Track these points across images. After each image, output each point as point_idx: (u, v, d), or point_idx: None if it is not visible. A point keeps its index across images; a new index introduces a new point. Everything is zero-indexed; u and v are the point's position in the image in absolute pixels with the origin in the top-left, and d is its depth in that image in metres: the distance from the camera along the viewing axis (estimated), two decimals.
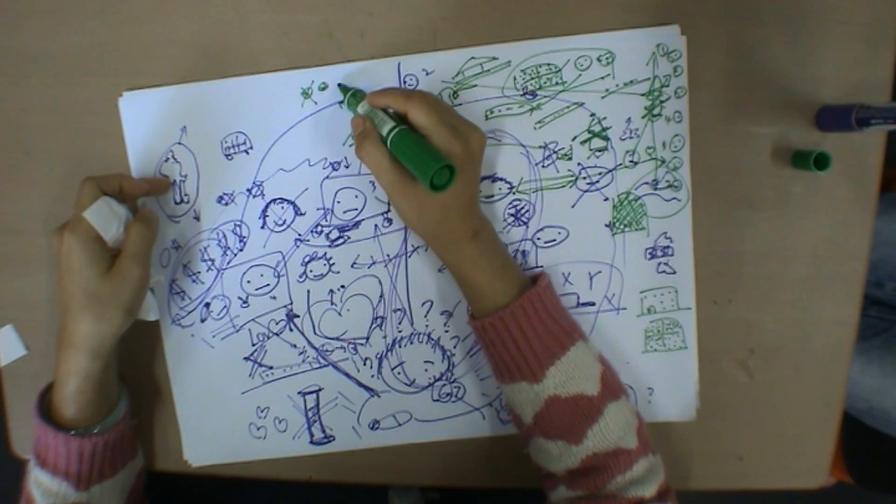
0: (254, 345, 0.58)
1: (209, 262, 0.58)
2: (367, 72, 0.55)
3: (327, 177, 0.56)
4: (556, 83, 0.56)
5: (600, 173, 0.57)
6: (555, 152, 0.56)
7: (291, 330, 0.58)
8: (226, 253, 0.57)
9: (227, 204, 0.57)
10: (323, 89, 0.55)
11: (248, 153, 0.56)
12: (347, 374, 0.59)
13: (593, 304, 0.58)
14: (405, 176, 0.48)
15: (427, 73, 0.55)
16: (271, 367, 0.59)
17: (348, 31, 0.55)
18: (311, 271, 0.58)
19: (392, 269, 0.58)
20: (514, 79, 0.55)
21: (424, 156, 0.46)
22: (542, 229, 0.57)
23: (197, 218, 0.57)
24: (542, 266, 0.58)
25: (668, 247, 0.58)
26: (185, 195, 0.57)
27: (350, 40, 0.55)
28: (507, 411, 0.55)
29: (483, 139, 0.50)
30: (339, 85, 0.55)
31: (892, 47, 0.56)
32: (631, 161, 0.57)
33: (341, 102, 0.55)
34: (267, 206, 0.57)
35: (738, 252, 0.58)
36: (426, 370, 0.59)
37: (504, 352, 0.50)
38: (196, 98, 0.56)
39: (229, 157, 0.56)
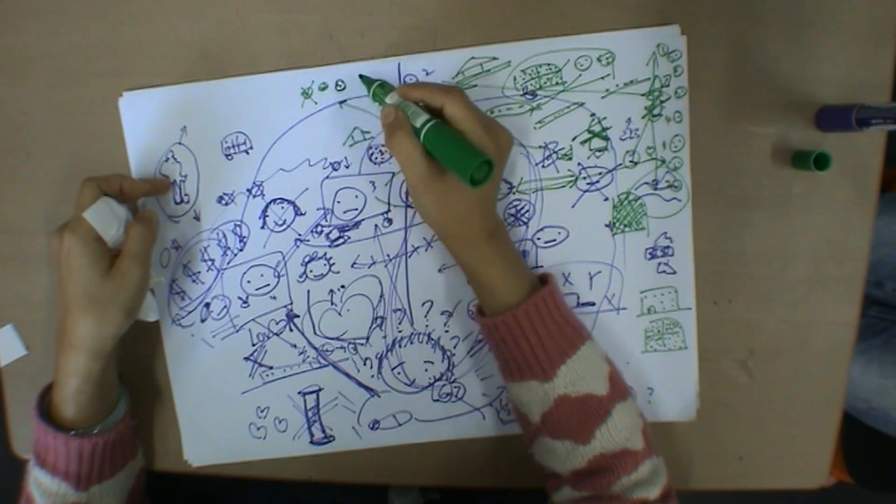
0: (254, 345, 0.58)
1: (209, 262, 0.58)
2: (366, 72, 0.55)
3: (327, 177, 0.56)
4: (556, 83, 0.56)
5: (600, 173, 0.57)
6: (555, 152, 0.56)
7: (291, 330, 0.58)
8: (226, 253, 0.57)
9: (227, 204, 0.57)
10: (323, 89, 0.55)
11: (248, 153, 0.56)
12: (347, 374, 0.59)
13: (593, 304, 0.58)
14: (434, 169, 0.49)
15: (427, 73, 0.55)
16: (271, 367, 0.59)
17: (348, 31, 0.55)
18: (311, 271, 0.58)
19: (392, 269, 0.58)
20: (514, 79, 0.55)
21: (466, 149, 0.46)
22: (542, 229, 0.57)
23: (197, 218, 0.57)
24: (542, 266, 0.58)
25: (668, 247, 0.58)
26: (185, 195, 0.57)
27: (350, 40, 0.55)
28: (512, 410, 0.55)
29: (511, 140, 0.51)
30: (361, 76, 0.54)
31: (892, 47, 0.56)
32: (631, 161, 0.57)
33: (358, 97, 0.55)
34: (267, 206, 0.57)
35: (738, 252, 0.58)
36: (426, 370, 0.59)
37: (515, 350, 0.50)
38: (196, 98, 0.56)
39: (229, 157, 0.56)
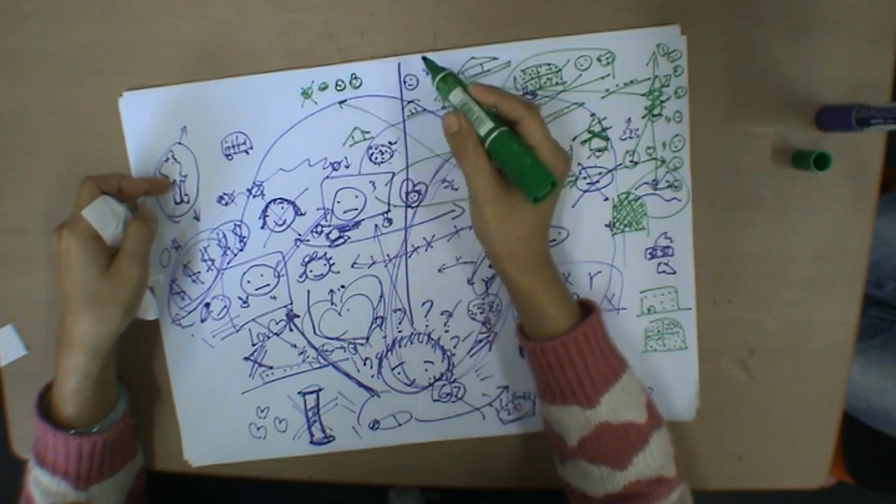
0: (254, 345, 0.58)
1: (209, 262, 0.58)
2: (366, 71, 0.55)
3: (327, 177, 0.56)
4: (556, 83, 0.56)
5: (600, 173, 0.57)
6: None
7: (291, 330, 0.58)
8: (226, 253, 0.57)
9: (227, 204, 0.57)
10: (323, 89, 0.55)
11: (248, 153, 0.56)
12: (347, 374, 0.59)
13: None
14: (501, 185, 0.48)
15: (427, 74, 0.55)
16: (271, 367, 0.59)
17: (348, 31, 0.55)
18: (311, 271, 0.58)
19: (392, 269, 0.58)
20: (514, 79, 0.55)
21: (537, 166, 0.46)
22: None
23: (197, 218, 0.57)
24: None
25: (668, 247, 0.58)
26: (185, 195, 0.57)
27: (350, 40, 0.55)
28: (545, 431, 0.55)
29: (570, 164, 0.52)
30: (425, 59, 0.53)
31: (892, 47, 0.56)
32: (631, 161, 0.57)
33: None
34: (267, 206, 0.57)
35: (738, 252, 0.58)
36: (426, 370, 0.59)
37: (561, 376, 0.50)
38: (196, 98, 0.56)
39: (229, 157, 0.56)
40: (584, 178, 0.57)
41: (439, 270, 0.58)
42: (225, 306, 0.58)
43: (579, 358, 0.49)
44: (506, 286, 0.53)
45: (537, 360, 0.51)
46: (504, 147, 0.47)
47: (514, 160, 0.47)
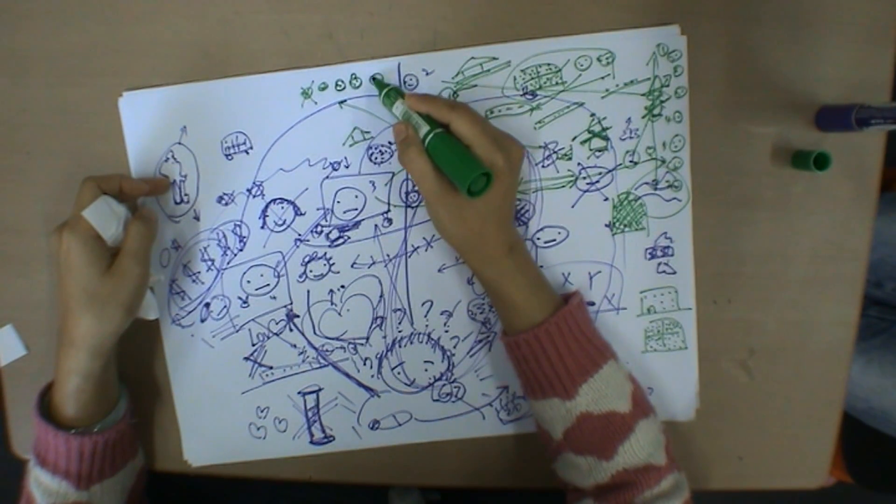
0: (254, 345, 0.58)
1: (209, 262, 0.58)
2: (366, 71, 0.55)
3: (327, 177, 0.56)
4: (556, 83, 0.56)
5: (600, 173, 0.57)
6: (555, 152, 0.56)
7: (291, 330, 0.58)
8: (226, 253, 0.57)
9: (227, 204, 0.57)
10: (323, 89, 0.55)
11: (248, 153, 0.56)
12: (347, 374, 0.59)
13: (593, 304, 0.58)
14: (447, 185, 0.49)
15: (427, 73, 0.55)
16: (271, 367, 0.59)
17: (348, 31, 0.55)
18: (311, 271, 0.58)
19: (392, 269, 0.58)
20: (514, 79, 0.55)
21: (465, 160, 0.47)
22: (542, 229, 0.57)
23: (197, 218, 0.57)
24: (541, 266, 0.58)
25: (668, 247, 0.58)
26: (185, 195, 0.57)
27: (350, 40, 0.55)
28: (537, 429, 0.55)
29: (523, 152, 0.51)
30: (373, 78, 0.55)
31: (892, 47, 0.56)
32: (631, 161, 0.57)
33: (377, 95, 0.54)
34: (267, 206, 0.57)
35: (738, 252, 0.58)
36: (426, 370, 0.59)
37: (537, 368, 0.50)
38: (196, 98, 0.56)
39: (229, 157, 0.56)
40: (584, 178, 0.57)
41: (439, 270, 0.58)
42: (225, 306, 0.58)
43: (553, 349, 0.49)
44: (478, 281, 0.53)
45: (514, 354, 0.52)
46: (436, 148, 0.49)
47: (445, 158, 0.49)
